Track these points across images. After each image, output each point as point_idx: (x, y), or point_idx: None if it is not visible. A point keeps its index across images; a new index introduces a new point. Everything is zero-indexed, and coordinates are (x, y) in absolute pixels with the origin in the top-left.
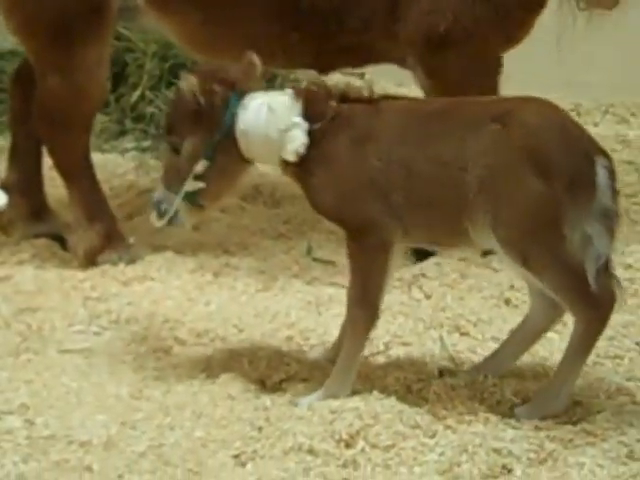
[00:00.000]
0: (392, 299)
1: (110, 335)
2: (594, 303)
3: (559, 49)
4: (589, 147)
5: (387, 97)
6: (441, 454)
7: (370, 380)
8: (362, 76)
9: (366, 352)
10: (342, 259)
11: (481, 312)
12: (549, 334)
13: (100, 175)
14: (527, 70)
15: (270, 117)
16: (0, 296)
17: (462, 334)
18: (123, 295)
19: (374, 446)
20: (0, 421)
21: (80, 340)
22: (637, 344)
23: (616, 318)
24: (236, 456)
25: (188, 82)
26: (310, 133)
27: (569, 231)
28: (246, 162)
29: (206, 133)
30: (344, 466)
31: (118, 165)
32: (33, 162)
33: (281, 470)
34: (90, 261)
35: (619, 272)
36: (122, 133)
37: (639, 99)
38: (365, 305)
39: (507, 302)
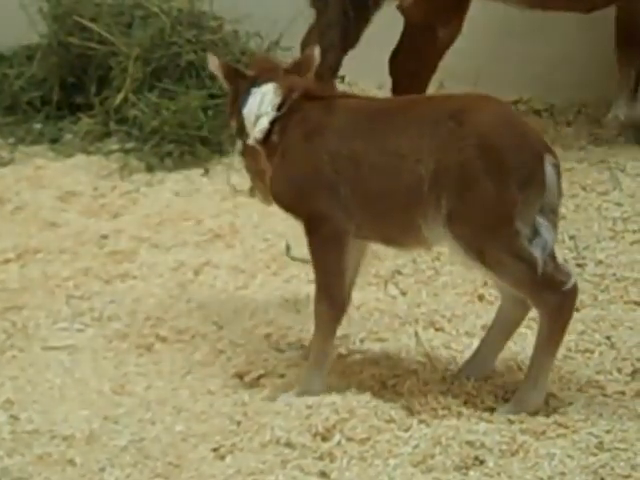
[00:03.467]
0: (368, 296)
1: (93, 332)
2: (553, 291)
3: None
4: (539, 146)
5: (347, 95)
6: (415, 447)
7: (346, 376)
8: (342, 79)
9: (342, 349)
10: None
11: (455, 308)
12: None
13: (85, 176)
14: (500, 69)
15: (256, 104)
16: None
17: (437, 329)
18: (106, 293)
19: (350, 439)
20: None
21: (64, 337)
22: (607, 338)
23: (587, 313)
24: (215, 449)
25: (211, 62)
26: (275, 122)
27: (521, 226)
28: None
29: (236, 108)
30: (320, 458)
31: (103, 166)
32: None
33: (259, 462)
34: None
35: (590, 268)
36: (106, 135)
37: (612, 99)
38: (328, 299)
39: (480, 298)
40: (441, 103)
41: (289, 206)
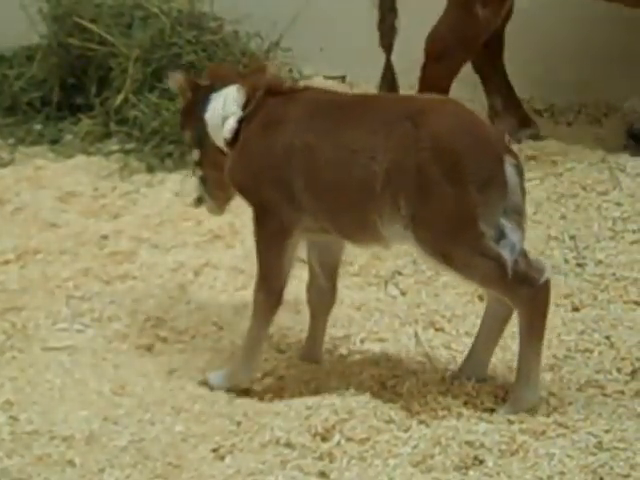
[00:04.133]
0: (368, 296)
1: (93, 333)
2: (526, 286)
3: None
4: (499, 147)
5: (309, 89)
6: (415, 447)
7: (346, 376)
8: (343, 79)
9: (342, 349)
10: None
11: (455, 308)
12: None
13: (85, 177)
14: None
15: (220, 106)
16: None
17: (437, 330)
18: (106, 294)
19: (349, 439)
20: None
21: (63, 338)
22: (607, 338)
23: (587, 313)
24: (215, 450)
25: (173, 79)
26: (242, 122)
27: (485, 228)
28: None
29: (194, 123)
30: (320, 459)
31: (103, 167)
32: None
33: (259, 463)
34: None
35: (590, 267)
36: (106, 136)
37: (612, 99)
38: (266, 289)
39: (481, 298)
40: (400, 103)
41: (243, 193)
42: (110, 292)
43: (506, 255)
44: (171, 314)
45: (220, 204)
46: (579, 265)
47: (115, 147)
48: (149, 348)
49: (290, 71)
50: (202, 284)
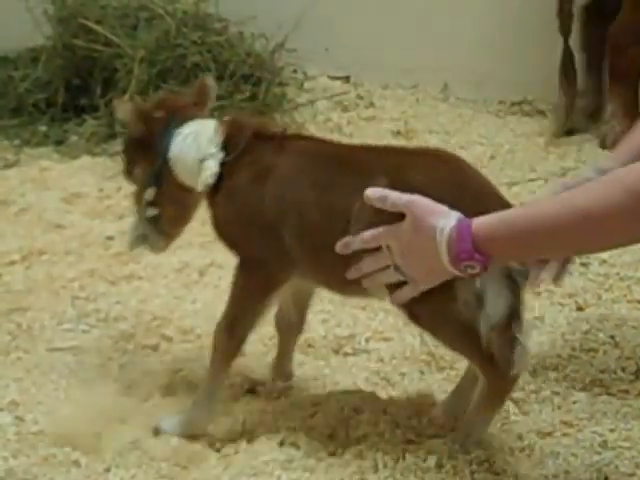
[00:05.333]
0: None
1: (98, 333)
2: (492, 364)
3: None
4: (480, 204)
5: (298, 137)
6: (421, 446)
7: (351, 374)
8: (347, 80)
9: (347, 348)
10: None
11: None
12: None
13: (90, 178)
14: (504, 70)
15: (193, 145)
16: None
17: None
18: (111, 294)
19: (354, 438)
20: None
21: (69, 338)
22: (611, 337)
23: (591, 312)
24: (219, 449)
25: (121, 109)
26: (223, 165)
27: (460, 292)
28: (189, 188)
29: (150, 159)
30: (325, 457)
31: (108, 168)
32: None
33: (263, 462)
34: None
35: (594, 267)
36: (112, 136)
37: None
38: (230, 333)
39: None
40: (381, 156)
41: (231, 247)
42: (115, 292)
43: (483, 328)
44: (177, 314)
45: (169, 242)
46: (583, 264)
47: (120, 148)
48: (155, 348)
49: (295, 72)
50: (207, 284)
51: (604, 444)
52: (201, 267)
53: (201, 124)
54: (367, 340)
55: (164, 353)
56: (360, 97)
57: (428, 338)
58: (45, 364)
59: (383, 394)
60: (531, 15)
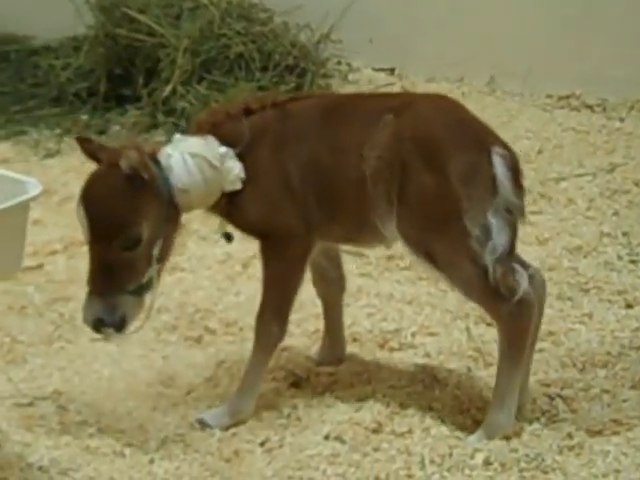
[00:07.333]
0: (419, 290)
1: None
2: (505, 301)
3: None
4: (484, 138)
5: (292, 99)
6: (467, 444)
7: (397, 370)
8: (392, 71)
9: (393, 342)
10: (372, 251)
11: None
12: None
13: None
14: (552, 64)
15: (199, 162)
16: (33, 286)
17: (488, 325)
18: None
19: (400, 434)
20: (34, 407)
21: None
22: None
23: None
24: (264, 443)
25: (130, 159)
26: (238, 156)
27: (471, 226)
28: (180, 222)
29: (156, 205)
30: (371, 452)
31: None
32: None
33: (308, 457)
34: None
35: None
36: (154, 126)
37: None
38: (278, 320)
39: None
40: (386, 98)
41: (262, 229)
42: (159, 284)
43: (487, 258)
44: (220, 306)
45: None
46: (632, 262)
47: (162, 138)
48: (198, 340)
49: (339, 63)
50: (250, 276)
51: None
52: (244, 259)
53: (177, 148)
54: (413, 335)
55: (207, 345)
56: (405, 89)
57: (476, 333)
58: (88, 354)
59: (429, 390)
60: (579, 9)
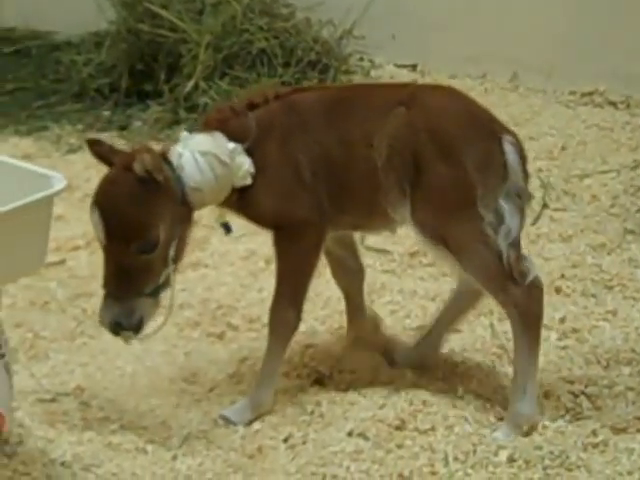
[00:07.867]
0: (443, 287)
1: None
2: (517, 286)
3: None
4: (495, 126)
5: (295, 90)
6: (494, 440)
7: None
8: (414, 68)
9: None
10: (395, 247)
11: None
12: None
13: None
14: (575, 60)
15: (209, 160)
16: (56, 281)
17: None
18: (177, 282)
19: (423, 431)
20: (56, 403)
21: None
22: None
23: None
24: (287, 440)
25: (144, 162)
26: (246, 151)
27: (484, 212)
28: (193, 219)
29: (170, 206)
30: (394, 449)
31: None
32: None
33: (331, 453)
34: None
35: None
36: (176, 122)
37: None
38: (294, 308)
39: (557, 290)
40: (393, 89)
41: (276, 221)
42: (182, 280)
43: (501, 243)
44: (242, 302)
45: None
46: None
47: (184, 134)
48: (220, 336)
49: (361, 59)
50: (273, 272)
51: None
52: (267, 255)
53: (187, 146)
54: None
55: (230, 341)
56: None
57: (500, 330)
58: (111, 350)
59: (453, 387)
60: (603, 4)
